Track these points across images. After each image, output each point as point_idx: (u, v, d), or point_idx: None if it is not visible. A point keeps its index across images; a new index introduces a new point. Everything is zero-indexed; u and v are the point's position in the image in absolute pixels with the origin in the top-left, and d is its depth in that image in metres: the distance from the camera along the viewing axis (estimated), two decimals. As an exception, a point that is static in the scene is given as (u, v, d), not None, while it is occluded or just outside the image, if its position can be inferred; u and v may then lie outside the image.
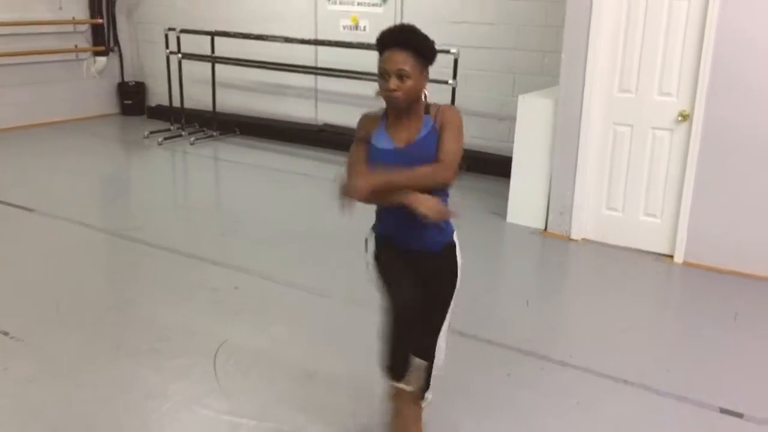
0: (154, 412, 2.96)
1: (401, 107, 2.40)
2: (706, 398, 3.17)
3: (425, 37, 2.39)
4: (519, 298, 4.24)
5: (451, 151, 2.38)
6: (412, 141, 2.44)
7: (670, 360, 3.54)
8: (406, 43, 2.35)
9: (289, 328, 3.10)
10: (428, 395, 2.81)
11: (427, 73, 2.43)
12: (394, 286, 2.49)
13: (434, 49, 2.42)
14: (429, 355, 2.70)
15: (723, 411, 3.09)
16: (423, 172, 2.36)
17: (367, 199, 2.36)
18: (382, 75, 2.37)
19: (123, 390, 3.11)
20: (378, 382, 2.86)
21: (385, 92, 2.37)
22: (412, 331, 2.52)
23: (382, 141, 2.46)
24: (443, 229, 2.56)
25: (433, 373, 2.75)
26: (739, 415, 3.07)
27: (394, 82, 2.33)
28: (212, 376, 3.23)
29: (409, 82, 2.34)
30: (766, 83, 4.32)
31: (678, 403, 3.15)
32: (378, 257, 2.59)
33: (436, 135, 2.42)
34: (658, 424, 3.02)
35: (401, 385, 2.60)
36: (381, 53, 2.40)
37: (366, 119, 2.55)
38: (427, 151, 2.41)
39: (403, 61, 2.32)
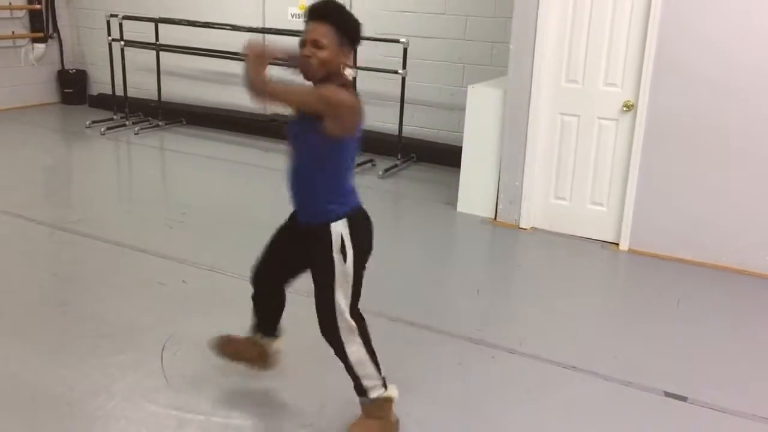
0: (99, 410, 2.88)
1: (313, 75, 2.44)
2: (651, 382, 3.25)
3: (349, 16, 2.48)
4: (469, 287, 4.27)
5: (322, 90, 2.40)
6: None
7: (616, 346, 3.62)
8: (328, 17, 2.42)
9: (239, 321, 3.06)
10: (377, 393, 2.71)
11: (348, 51, 2.48)
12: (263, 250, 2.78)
13: (357, 28, 2.49)
14: (336, 351, 2.64)
15: (668, 394, 3.18)
16: (292, 88, 2.41)
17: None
18: (302, 44, 2.44)
19: (66, 389, 3.01)
20: (332, 376, 2.85)
21: (299, 59, 2.44)
22: (259, 294, 2.85)
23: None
24: (319, 201, 2.55)
25: (356, 370, 2.65)
26: (683, 398, 3.15)
27: (309, 49, 2.41)
28: (159, 372, 3.16)
29: (323, 53, 2.40)
30: (708, 73, 4.43)
31: (624, 387, 3.22)
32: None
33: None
34: (605, 408, 3.08)
35: (257, 337, 2.95)
36: (306, 25, 2.46)
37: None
38: (313, 120, 2.41)
39: (322, 33, 2.40)
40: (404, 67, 6.39)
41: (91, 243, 4.62)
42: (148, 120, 7.98)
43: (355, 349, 2.63)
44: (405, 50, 6.35)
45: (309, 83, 2.49)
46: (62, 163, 7.00)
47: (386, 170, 6.42)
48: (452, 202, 5.57)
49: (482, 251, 5.09)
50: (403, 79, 6.45)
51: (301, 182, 2.58)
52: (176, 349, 3.32)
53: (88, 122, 7.77)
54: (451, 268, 4.71)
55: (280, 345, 3.01)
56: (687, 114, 4.53)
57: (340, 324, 2.59)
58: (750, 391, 3.25)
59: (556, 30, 4.84)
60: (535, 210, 5.19)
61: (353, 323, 2.61)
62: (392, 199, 6.02)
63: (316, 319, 2.64)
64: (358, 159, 7.31)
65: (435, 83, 6.82)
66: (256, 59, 2.38)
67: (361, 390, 2.71)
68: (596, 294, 4.35)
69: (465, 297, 4.14)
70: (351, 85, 2.53)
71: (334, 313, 2.58)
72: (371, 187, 6.10)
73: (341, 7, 2.47)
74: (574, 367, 3.36)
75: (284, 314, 2.95)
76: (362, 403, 2.75)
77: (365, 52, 6.53)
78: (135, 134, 7.55)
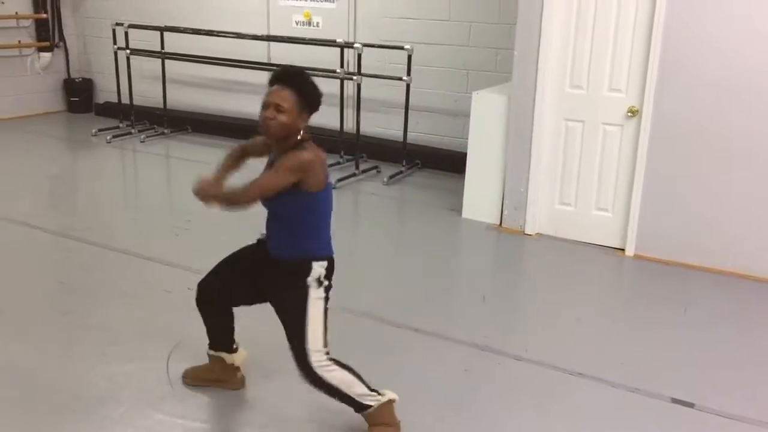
0: (107, 419, 2.89)
1: (272, 136, 2.57)
2: (658, 389, 3.24)
3: (311, 84, 2.60)
4: (475, 294, 4.27)
5: (258, 181, 2.57)
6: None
7: (623, 352, 3.61)
8: (291, 83, 2.55)
9: (245, 330, 3.06)
10: (375, 401, 2.72)
11: (307, 116, 2.59)
12: (215, 266, 2.89)
13: (317, 97, 2.61)
14: (319, 386, 2.66)
15: (675, 401, 3.16)
16: (233, 191, 2.61)
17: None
18: (263, 106, 2.55)
19: (74, 397, 3.02)
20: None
21: (261, 119, 2.55)
22: (206, 309, 2.91)
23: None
24: (289, 244, 2.66)
25: (346, 392, 2.66)
26: (690, 405, 3.14)
27: (271, 112, 2.52)
28: (165, 380, 3.16)
29: (283, 117, 2.51)
30: (713, 77, 4.42)
31: (631, 394, 3.21)
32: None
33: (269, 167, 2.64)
34: (612, 415, 3.08)
35: (211, 352, 3.04)
36: (269, 87, 2.59)
37: (263, 141, 2.74)
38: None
39: (284, 98, 2.52)
40: (408, 73, 6.41)
41: (98, 251, 4.64)
42: (154, 128, 8.00)
43: (336, 375, 2.64)
44: (409, 57, 6.36)
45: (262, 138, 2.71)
46: (68, 171, 7.03)
47: (391, 177, 6.43)
48: (457, 208, 5.57)
49: (487, 258, 5.09)
50: (408, 85, 6.46)
51: (276, 231, 2.69)
52: (182, 357, 3.32)
53: (94, 130, 7.80)
54: (457, 275, 4.70)
55: (238, 359, 3.06)
56: (692, 119, 4.53)
57: (313, 360, 2.60)
58: (757, 397, 3.23)
59: (559, 36, 4.84)
60: (541, 216, 5.19)
61: (324, 356, 2.63)
62: (397, 206, 6.03)
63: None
64: (364, 166, 7.32)
65: (439, 90, 6.83)
66: (208, 189, 2.59)
67: (360, 407, 2.72)
68: (602, 300, 4.34)
69: (471, 304, 4.14)
70: (307, 142, 2.61)
71: (306, 350, 2.60)
72: (376, 193, 6.11)
73: (305, 75, 2.61)
74: (580, 374, 3.35)
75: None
76: (366, 416, 2.75)
77: (369, 59, 6.55)
78: (141, 142, 7.57)
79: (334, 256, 2.73)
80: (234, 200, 2.61)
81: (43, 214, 5.46)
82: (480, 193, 5.42)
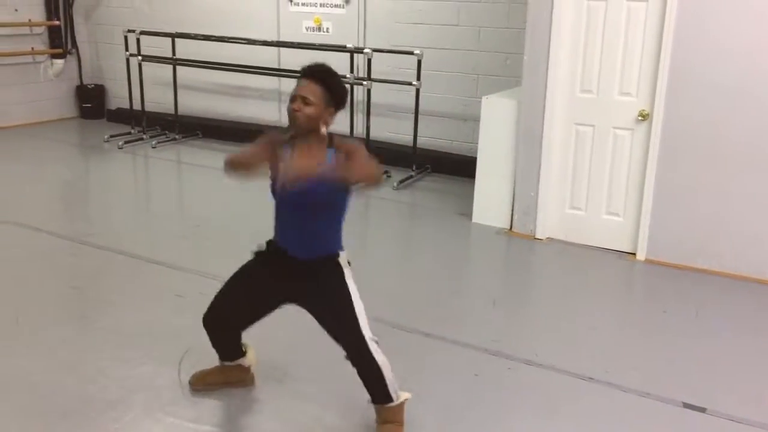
0: (117, 422, 2.90)
1: (299, 127, 2.62)
2: (670, 393, 3.22)
3: (340, 82, 2.70)
4: (485, 298, 4.26)
5: (366, 155, 2.59)
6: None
7: (634, 357, 3.59)
8: (320, 78, 2.63)
9: (256, 334, 3.07)
10: (397, 395, 2.77)
11: (333, 112, 2.67)
12: (222, 288, 2.89)
13: (344, 93, 2.70)
14: (367, 368, 2.69)
15: (686, 405, 3.15)
16: (356, 164, 2.55)
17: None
18: (292, 98, 2.62)
19: (84, 401, 3.04)
20: (353, 388, 2.86)
21: (289, 111, 2.63)
22: (213, 332, 2.92)
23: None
24: (325, 242, 2.73)
25: (385, 375, 2.70)
26: (702, 410, 3.12)
27: (298, 104, 2.59)
28: (177, 384, 3.17)
29: (310, 109, 2.58)
30: (724, 81, 4.40)
31: (642, 398, 3.20)
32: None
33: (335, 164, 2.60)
34: (623, 419, 3.06)
35: (227, 364, 3.07)
36: (298, 82, 2.65)
37: (272, 136, 2.77)
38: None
39: (312, 91, 2.60)
40: (418, 78, 6.42)
41: (110, 255, 4.67)
42: (165, 134, 8.05)
43: (381, 357, 2.68)
44: (419, 62, 6.37)
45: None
46: (81, 176, 7.09)
47: (401, 181, 6.43)
48: (467, 212, 5.57)
49: (498, 262, 5.08)
50: (417, 90, 6.47)
51: (308, 230, 2.70)
52: (194, 361, 3.33)
53: (106, 136, 7.85)
54: (467, 279, 4.70)
55: (248, 359, 3.08)
56: (703, 122, 4.51)
57: (371, 347, 2.65)
58: (770, 402, 3.21)
59: (569, 40, 4.84)
60: (551, 220, 5.18)
61: (376, 341, 2.69)
62: (407, 211, 6.03)
63: (342, 345, 2.70)
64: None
65: (449, 94, 6.83)
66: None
67: (385, 396, 2.74)
68: (613, 304, 4.32)
69: (481, 308, 4.13)
70: (326, 139, 2.67)
71: (363, 338, 2.65)
72: (386, 198, 6.11)
73: (334, 73, 2.69)
74: (591, 378, 3.34)
75: (296, 324, 2.96)
76: (382, 410, 2.77)
77: (379, 64, 6.57)
78: (152, 148, 7.62)
79: None
80: (372, 173, 2.57)
81: (56, 219, 5.51)
82: (490, 198, 5.41)
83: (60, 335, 3.61)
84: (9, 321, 3.73)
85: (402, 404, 2.80)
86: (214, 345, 2.98)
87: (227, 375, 3.10)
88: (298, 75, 2.67)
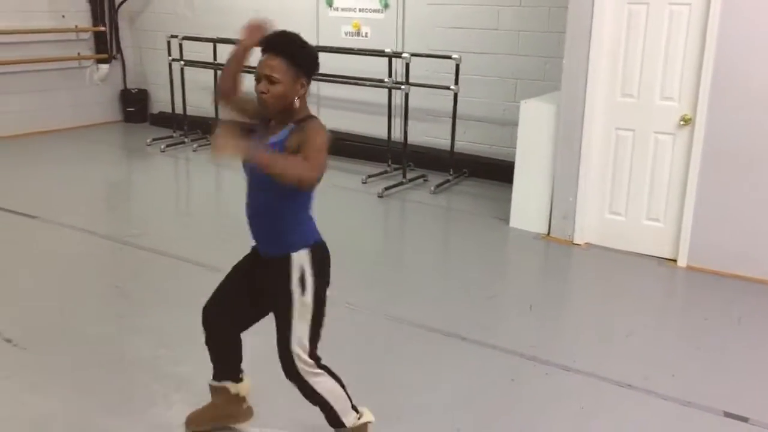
0: (159, 417, 2.96)
1: (270, 111, 2.39)
2: (711, 402, 3.17)
3: (303, 46, 2.40)
4: (522, 303, 4.24)
5: (315, 150, 2.26)
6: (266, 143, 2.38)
7: (674, 364, 3.54)
8: (281, 49, 2.36)
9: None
10: (351, 419, 2.61)
11: (305, 83, 2.40)
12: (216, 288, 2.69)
13: (312, 58, 2.42)
14: (302, 389, 2.52)
15: (727, 415, 3.09)
16: (289, 160, 2.24)
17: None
18: (257, 78, 2.38)
19: (126, 398, 3.11)
20: (385, 398, 2.86)
21: (256, 95, 2.38)
22: (212, 335, 2.70)
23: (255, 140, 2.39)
24: (282, 233, 2.45)
25: (328, 400, 2.54)
26: (744, 419, 3.06)
27: (263, 85, 2.35)
28: (216, 383, 3.22)
29: (278, 88, 2.33)
30: (768, 87, 4.32)
31: (682, 407, 3.15)
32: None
33: (283, 145, 2.35)
34: (662, 428, 3.02)
35: (214, 383, 2.79)
36: (261, 56, 2.40)
37: (258, 110, 2.50)
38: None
39: (275, 67, 2.33)
40: (456, 82, 6.41)
41: (151, 256, 4.76)
42: (206, 137, 8.17)
43: (321, 380, 2.51)
44: (457, 66, 6.37)
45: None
46: (124, 179, 7.24)
47: (438, 186, 6.43)
48: (505, 217, 5.55)
49: (535, 267, 5.05)
50: (455, 94, 6.47)
51: (263, 215, 2.47)
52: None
53: (148, 140, 8.01)
54: (504, 284, 4.68)
55: (244, 389, 2.84)
56: (747, 127, 4.42)
57: (299, 364, 2.47)
58: (816, 414, 3.13)
59: (610, 44, 4.79)
60: (590, 225, 5.13)
61: (311, 361, 2.49)
62: (444, 215, 6.03)
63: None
64: (411, 175, 7.32)
65: (487, 99, 6.81)
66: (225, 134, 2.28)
67: (336, 421, 2.59)
68: (653, 311, 4.26)
69: (518, 313, 4.11)
70: (315, 119, 2.41)
71: (291, 353, 2.45)
72: (423, 202, 6.12)
73: (294, 38, 2.42)
74: (630, 386, 3.30)
75: (333, 328, 2.97)
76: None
77: (417, 69, 6.58)
78: (193, 151, 7.75)
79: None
80: (298, 176, 2.20)
81: (101, 219, 5.64)
82: (528, 202, 5.38)
83: (102, 333, 3.69)
84: (54, 317, 3.83)
85: (359, 428, 2.62)
86: (212, 352, 2.76)
87: (221, 408, 2.83)
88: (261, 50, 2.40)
